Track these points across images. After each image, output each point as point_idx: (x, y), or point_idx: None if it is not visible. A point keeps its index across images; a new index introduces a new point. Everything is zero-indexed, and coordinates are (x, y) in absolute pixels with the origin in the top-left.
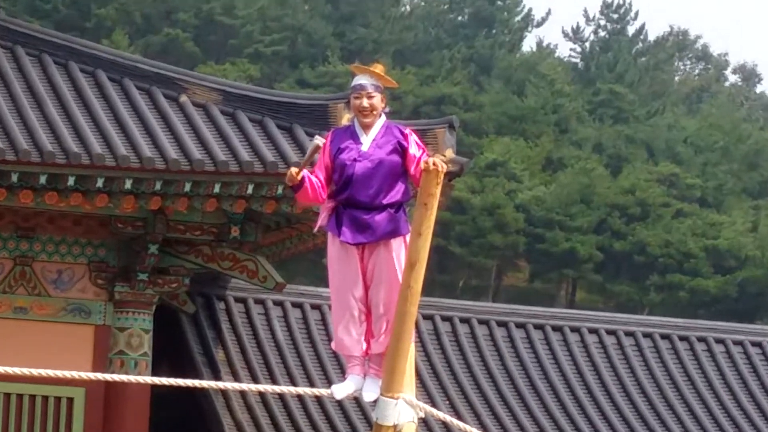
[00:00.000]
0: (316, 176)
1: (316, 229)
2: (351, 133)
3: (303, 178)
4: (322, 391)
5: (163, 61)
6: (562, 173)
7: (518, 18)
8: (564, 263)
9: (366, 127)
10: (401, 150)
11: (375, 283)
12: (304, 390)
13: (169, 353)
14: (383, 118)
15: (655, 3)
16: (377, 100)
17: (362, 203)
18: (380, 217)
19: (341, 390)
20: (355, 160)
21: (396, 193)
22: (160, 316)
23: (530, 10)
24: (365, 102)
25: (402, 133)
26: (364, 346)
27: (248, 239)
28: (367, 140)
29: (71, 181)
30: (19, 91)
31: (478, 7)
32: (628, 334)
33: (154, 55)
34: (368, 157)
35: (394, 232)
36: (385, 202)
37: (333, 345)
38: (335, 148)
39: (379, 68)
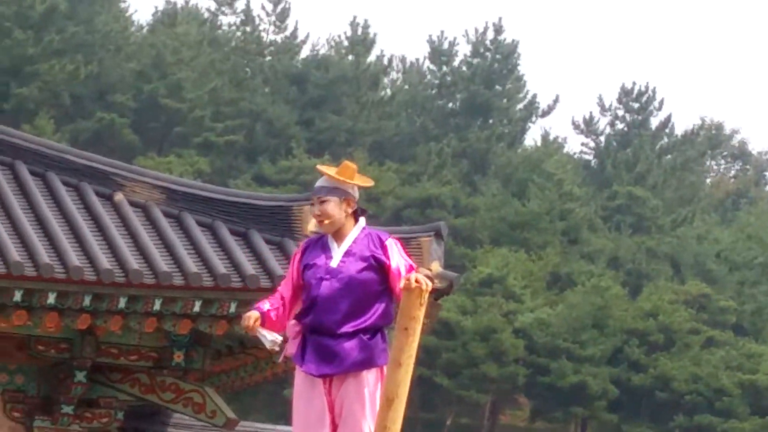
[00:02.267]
0: (280, 298)
1: (281, 359)
2: (323, 245)
3: (262, 315)
4: None
5: (96, 151)
6: (570, 292)
7: (520, 106)
8: (572, 400)
9: (338, 238)
10: (377, 264)
11: (343, 423)
12: None
13: None
14: (361, 224)
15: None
16: (332, 205)
17: (328, 329)
18: (349, 345)
19: None
20: (321, 278)
21: (370, 317)
22: None
23: (534, 96)
24: (316, 208)
25: (382, 243)
26: None
27: (194, 366)
28: (338, 253)
29: None
30: None
31: (472, 93)
32: None
33: (85, 145)
34: (337, 275)
35: (367, 363)
36: (356, 327)
37: None
38: (305, 263)
39: (350, 167)
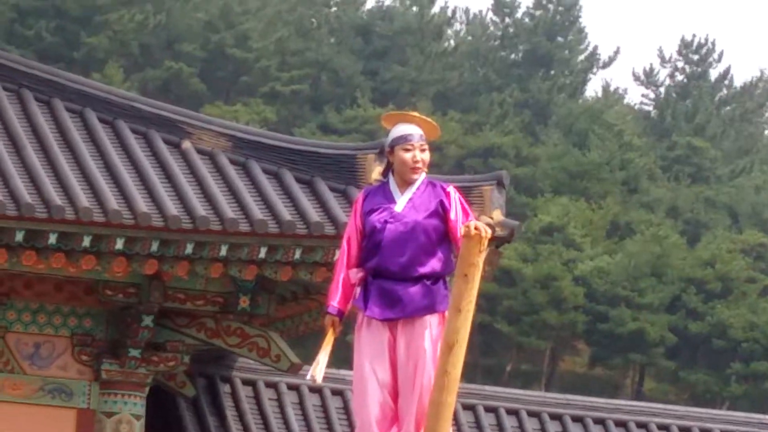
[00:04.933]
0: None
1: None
2: (385, 192)
3: (340, 317)
4: None
5: (164, 100)
6: (629, 241)
7: (581, 58)
8: (630, 346)
9: (404, 185)
10: (443, 212)
11: (405, 367)
12: None
13: None
14: (423, 175)
15: (743, 43)
16: (428, 155)
17: (393, 273)
18: (414, 290)
19: None
20: (386, 222)
21: (433, 263)
22: (154, 400)
23: (596, 48)
24: (418, 155)
25: (444, 191)
26: None
27: (259, 312)
28: (402, 200)
29: (52, 238)
30: None
31: (534, 44)
32: (705, 431)
33: (154, 93)
34: (401, 219)
35: (430, 308)
36: (419, 272)
37: None
38: (367, 208)
39: (417, 115)
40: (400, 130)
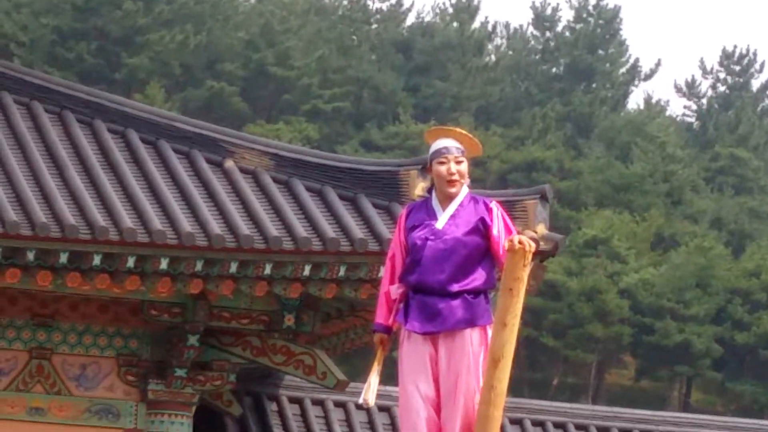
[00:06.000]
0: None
1: (361, 401)
2: (427, 208)
3: (388, 333)
4: None
5: (206, 119)
6: (674, 252)
7: (623, 70)
8: (677, 358)
9: (446, 200)
10: (484, 229)
11: (446, 380)
12: None
13: None
14: (465, 190)
15: None
16: (464, 166)
17: (433, 289)
18: (455, 304)
19: None
20: (427, 239)
21: (474, 279)
22: (201, 419)
23: (637, 60)
24: (453, 167)
25: (487, 207)
26: None
27: (305, 329)
28: (444, 216)
29: (97, 260)
30: (36, 154)
31: (575, 58)
32: None
33: (195, 113)
34: (442, 237)
35: (471, 321)
36: (460, 288)
37: None
38: (410, 225)
39: (457, 130)
40: (437, 144)
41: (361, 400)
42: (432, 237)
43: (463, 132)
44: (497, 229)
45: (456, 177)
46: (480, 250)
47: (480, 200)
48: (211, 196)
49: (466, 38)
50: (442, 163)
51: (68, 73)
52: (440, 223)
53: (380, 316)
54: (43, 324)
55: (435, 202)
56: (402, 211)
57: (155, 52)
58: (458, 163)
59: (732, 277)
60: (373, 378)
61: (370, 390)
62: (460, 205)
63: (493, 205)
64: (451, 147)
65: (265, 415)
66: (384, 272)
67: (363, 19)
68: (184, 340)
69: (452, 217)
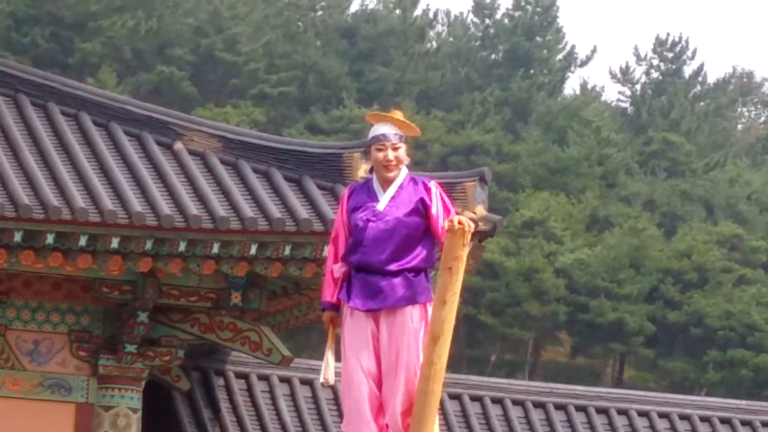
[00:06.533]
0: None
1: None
2: (368, 190)
3: (335, 310)
4: None
5: (156, 102)
6: (608, 233)
7: (560, 57)
8: (610, 336)
9: (386, 182)
10: (423, 209)
11: (387, 355)
12: None
13: None
14: (405, 172)
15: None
16: (402, 151)
17: (375, 268)
18: (396, 282)
19: None
20: (368, 220)
21: (414, 258)
22: (150, 394)
23: (573, 47)
24: (390, 154)
25: (426, 187)
26: (376, 427)
27: (251, 307)
28: (384, 198)
29: (50, 238)
30: None
31: (514, 44)
32: (683, 417)
33: (146, 96)
34: (383, 218)
35: (411, 299)
36: (401, 266)
37: (342, 425)
38: (352, 206)
39: (399, 115)
40: (374, 130)
41: (321, 380)
42: (373, 218)
43: (401, 118)
44: (436, 208)
45: (393, 163)
46: (420, 229)
47: (419, 181)
48: (161, 177)
49: (409, 25)
50: (379, 150)
51: (23, 58)
52: (381, 205)
53: (327, 295)
54: None
55: (376, 184)
56: (344, 193)
57: (107, 38)
58: (395, 149)
59: (664, 258)
60: (329, 356)
61: (329, 368)
62: (400, 186)
63: (432, 185)
64: (389, 134)
65: (212, 389)
66: (328, 252)
67: (308, 5)
68: (134, 317)
69: (392, 198)
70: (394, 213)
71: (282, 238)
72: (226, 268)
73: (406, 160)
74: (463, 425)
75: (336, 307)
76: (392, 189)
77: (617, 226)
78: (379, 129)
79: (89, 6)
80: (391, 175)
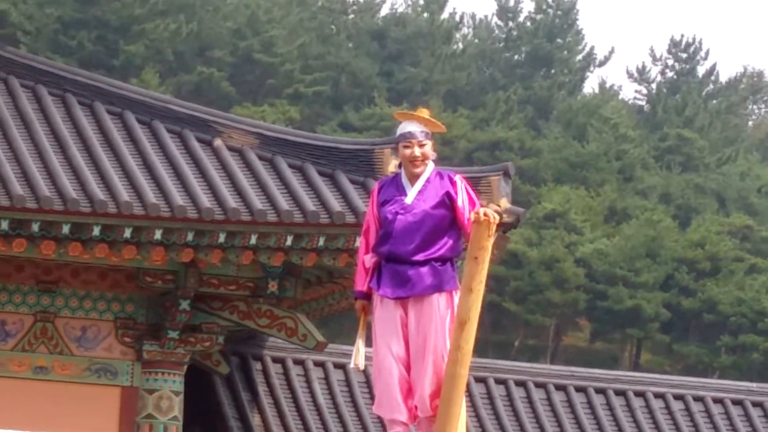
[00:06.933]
0: (363, 265)
1: (352, 365)
2: (397, 184)
3: (366, 298)
4: None
5: (197, 102)
6: (626, 225)
7: (579, 57)
8: (628, 322)
9: (414, 177)
10: (449, 201)
11: (416, 341)
12: None
13: (202, 417)
14: (431, 166)
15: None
16: (428, 148)
17: (403, 258)
18: (423, 271)
19: None
20: (397, 213)
21: (440, 249)
22: (192, 377)
23: (592, 48)
24: (417, 151)
25: (451, 181)
26: (403, 409)
27: (287, 295)
28: (412, 192)
29: (96, 231)
30: (41, 134)
31: (536, 46)
32: (697, 399)
33: (187, 96)
34: (411, 211)
35: (438, 287)
36: (428, 256)
37: (373, 408)
38: (382, 199)
39: (425, 113)
40: (401, 128)
41: (352, 365)
42: (402, 211)
43: (427, 116)
44: (462, 200)
45: (419, 159)
46: (446, 221)
47: (445, 175)
48: (202, 172)
49: (436, 28)
50: (407, 147)
51: (70, 60)
52: (409, 198)
53: (359, 284)
54: (47, 290)
55: (404, 179)
56: (374, 187)
57: (150, 40)
58: (422, 146)
59: (679, 248)
60: (360, 343)
61: (360, 354)
62: (427, 180)
63: (457, 178)
64: (416, 131)
65: (250, 373)
66: (360, 243)
67: (341, 9)
68: (176, 305)
69: (420, 192)
70: (422, 206)
71: (316, 229)
72: (264, 259)
73: (433, 155)
74: (489, 407)
75: (367, 296)
76: (419, 183)
77: (634, 218)
78: (406, 127)
79: (133, 10)
80: (417, 170)
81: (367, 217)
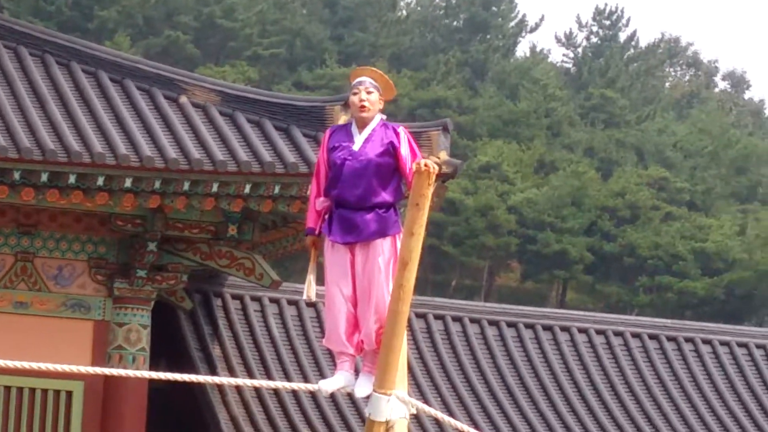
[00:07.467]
0: (314, 206)
1: (305, 297)
2: (346, 131)
3: (318, 229)
4: (311, 386)
5: (164, 62)
6: (553, 176)
7: (512, 24)
8: (555, 264)
9: (361, 126)
10: (393, 150)
11: (362, 281)
12: (297, 385)
13: (167, 348)
14: (378, 117)
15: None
16: (374, 96)
17: (350, 203)
18: (369, 217)
19: (329, 385)
20: (345, 159)
21: (385, 194)
22: (158, 312)
23: (524, 16)
24: (363, 95)
25: (395, 132)
26: (350, 342)
27: (245, 238)
28: (359, 139)
29: (72, 179)
30: (21, 91)
31: (473, 13)
32: (617, 334)
33: (155, 57)
34: (358, 157)
35: (382, 232)
36: (372, 202)
37: (323, 341)
38: (331, 145)
39: (373, 69)
40: (352, 78)
41: (304, 297)
42: (350, 157)
43: (379, 72)
44: (405, 150)
45: (366, 104)
46: (390, 168)
47: (390, 126)
48: (168, 126)
49: None
50: (355, 93)
51: (49, 23)
52: (356, 146)
53: (309, 221)
54: (27, 232)
55: (353, 128)
56: (325, 133)
57: (122, 6)
58: (369, 93)
59: (601, 197)
60: (311, 276)
61: (311, 287)
62: (374, 130)
63: (401, 130)
64: (365, 80)
65: (211, 309)
66: (311, 185)
67: None
68: (144, 246)
69: (366, 140)
70: (368, 153)
71: (272, 178)
72: (224, 205)
73: (379, 105)
74: (428, 340)
75: (317, 233)
76: (366, 131)
77: (561, 170)
78: (355, 76)
79: None
80: (363, 115)
81: (318, 161)
